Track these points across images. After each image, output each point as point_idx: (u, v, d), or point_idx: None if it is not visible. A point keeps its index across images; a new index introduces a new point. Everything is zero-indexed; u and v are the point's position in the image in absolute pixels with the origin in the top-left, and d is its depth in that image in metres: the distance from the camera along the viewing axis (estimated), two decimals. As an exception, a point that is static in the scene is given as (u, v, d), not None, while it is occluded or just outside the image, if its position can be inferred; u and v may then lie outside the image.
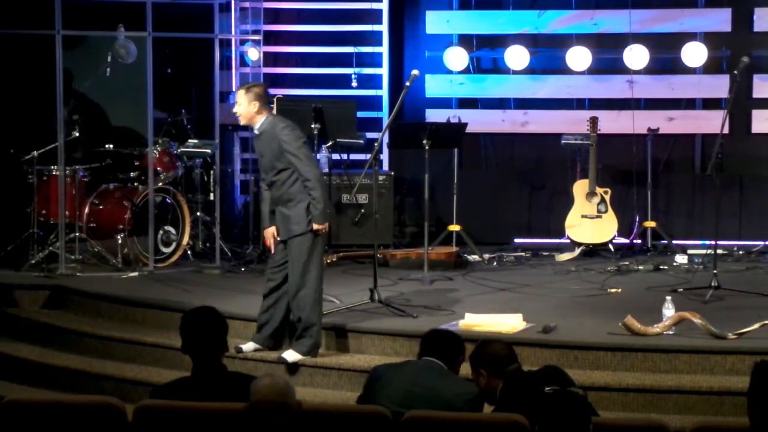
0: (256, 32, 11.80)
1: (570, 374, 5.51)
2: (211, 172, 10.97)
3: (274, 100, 9.89)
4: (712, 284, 8.63)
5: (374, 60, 11.96)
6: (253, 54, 11.73)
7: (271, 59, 12.15)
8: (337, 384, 7.48)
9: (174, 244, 10.39)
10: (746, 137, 11.53)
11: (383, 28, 11.95)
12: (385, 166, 11.68)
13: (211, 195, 10.95)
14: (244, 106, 7.64)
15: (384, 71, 11.95)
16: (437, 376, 5.60)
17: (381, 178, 10.74)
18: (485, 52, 12.01)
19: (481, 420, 5.01)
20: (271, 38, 12.10)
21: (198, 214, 10.79)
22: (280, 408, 4.53)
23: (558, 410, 4.24)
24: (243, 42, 11.80)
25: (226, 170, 11.74)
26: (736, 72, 8.89)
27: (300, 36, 12.16)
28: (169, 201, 10.40)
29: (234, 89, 11.83)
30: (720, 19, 11.48)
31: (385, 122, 10.97)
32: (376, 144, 8.41)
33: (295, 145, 7.55)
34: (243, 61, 11.88)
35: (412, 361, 5.88)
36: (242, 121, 7.74)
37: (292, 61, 12.23)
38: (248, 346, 7.70)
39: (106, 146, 10.60)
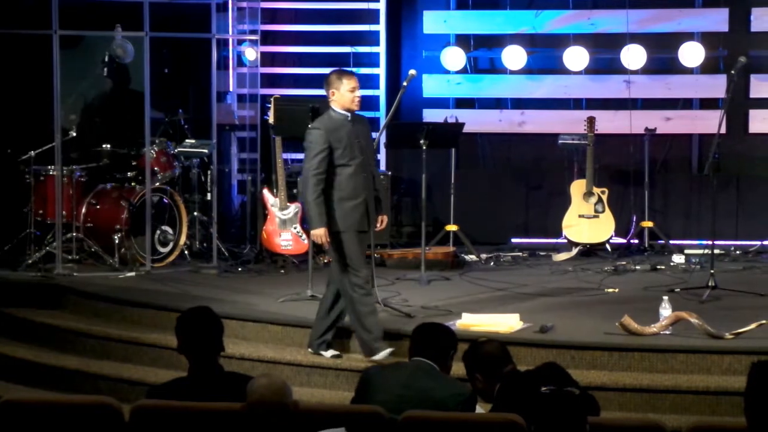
0: (253, 32, 11.78)
1: (567, 374, 5.49)
2: (209, 171, 10.97)
3: (272, 100, 9.89)
4: (709, 284, 8.63)
5: (371, 60, 11.95)
6: (251, 54, 11.72)
7: (268, 59, 12.14)
8: (334, 384, 7.46)
9: (171, 244, 10.39)
10: (743, 137, 11.54)
11: (380, 28, 11.95)
12: (383, 166, 11.68)
13: (209, 195, 10.96)
14: None
15: (381, 71, 11.95)
16: (429, 378, 5.49)
17: (378, 178, 10.73)
18: (482, 52, 12.02)
19: (478, 420, 5.00)
20: (268, 38, 12.09)
21: (195, 213, 10.78)
22: (277, 408, 4.53)
23: (554, 410, 4.24)
24: (240, 42, 11.78)
25: (223, 170, 11.73)
26: (733, 72, 8.89)
27: (297, 36, 12.16)
28: (166, 201, 10.39)
29: (231, 89, 11.84)
30: (717, 19, 11.48)
31: (383, 122, 10.96)
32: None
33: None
34: (240, 61, 11.87)
35: (403, 363, 5.79)
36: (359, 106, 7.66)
37: (289, 61, 12.23)
38: (329, 352, 7.55)
39: (103, 146, 10.60)
